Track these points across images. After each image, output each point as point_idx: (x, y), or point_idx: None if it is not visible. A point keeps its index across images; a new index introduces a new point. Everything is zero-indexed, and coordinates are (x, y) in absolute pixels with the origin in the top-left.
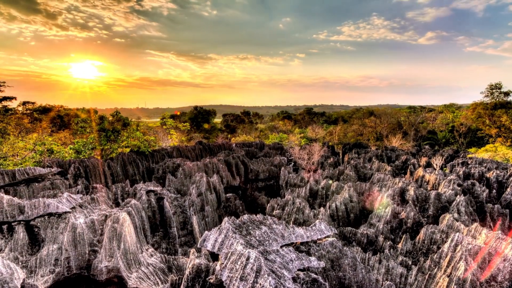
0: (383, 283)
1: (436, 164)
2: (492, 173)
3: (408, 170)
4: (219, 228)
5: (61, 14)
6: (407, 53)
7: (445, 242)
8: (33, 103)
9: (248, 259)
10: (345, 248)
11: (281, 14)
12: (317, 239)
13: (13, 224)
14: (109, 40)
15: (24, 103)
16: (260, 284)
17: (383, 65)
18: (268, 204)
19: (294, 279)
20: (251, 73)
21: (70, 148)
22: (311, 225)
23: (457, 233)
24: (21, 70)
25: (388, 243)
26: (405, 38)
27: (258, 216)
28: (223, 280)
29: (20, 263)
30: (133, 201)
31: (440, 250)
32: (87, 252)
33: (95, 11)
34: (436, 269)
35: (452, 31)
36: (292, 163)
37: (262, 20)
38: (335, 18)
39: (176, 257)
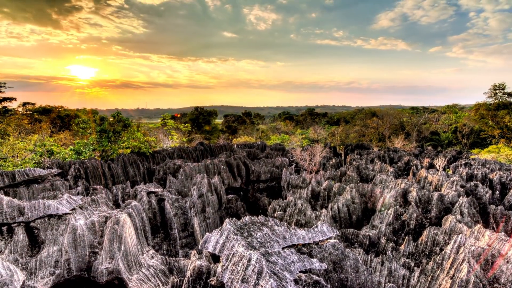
0: (386, 285)
1: (439, 165)
2: (495, 174)
3: (411, 171)
4: (220, 230)
5: (28, 20)
6: (375, 57)
7: (448, 243)
8: (33, 104)
9: (249, 261)
10: (347, 250)
11: (226, 24)
12: (319, 240)
13: (12, 225)
14: (89, 44)
15: (24, 104)
16: (262, 286)
17: (362, 68)
18: (270, 206)
19: (296, 281)
20: (236, 74)
21: (70, 149)
22: (313, 227)
23: (460, 235)
24: (10, 72)
25: (391, 244)
26: (358, 44)
27: (259, 217)
28: (225, 282)
29: (20, 265)
30: (134, 203)
31: (443, 251)
32: (87, 253)
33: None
34: (438, 271)
35: (392, 38)
36: (294, 164)
37: (214, 28)
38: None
39: (177, 258)
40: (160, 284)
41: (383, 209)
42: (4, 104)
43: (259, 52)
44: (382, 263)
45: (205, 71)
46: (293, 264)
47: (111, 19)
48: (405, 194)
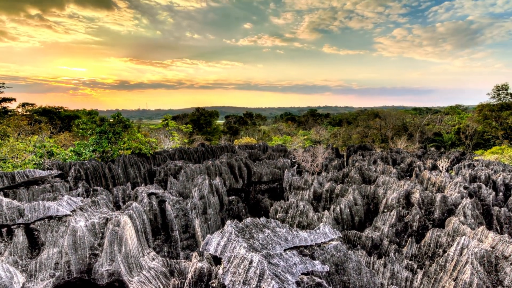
0: (388, 287)
1: (442, 167)
2: (499, 176)
3: (414, 173)
4: (221, 232)
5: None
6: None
7: (451, 245)
8: (32, 104)
9: (251, 262)
10: (349, 251)
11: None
12: (321, 242)
13: (12, 227)
14: (56, 49)
15: (23, 105)
16: None
17: (341, 70)
18: (272, 207)
19: (298, 283)
20: (223, 76)
21: (71, 150)
22: (315, 229)
23: (463, 237)
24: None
25: (393, 246)
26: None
27: (261, 219)
28: (226, 284)
29: (19, 267)
30: (135, 204)
31: (446, 253)
32: (87, 255)
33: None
34: (442, 273)
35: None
36: (296, 166)
37: (172, 34)
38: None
39: (178, 260)
40: (161, 286)
41: (385, 210)
42: (4, 104)
43: (225, 56)
44: (385, 265)
45: (188, 72)
46: (295, 266)
47: (63, 25)
48: (408, 195)
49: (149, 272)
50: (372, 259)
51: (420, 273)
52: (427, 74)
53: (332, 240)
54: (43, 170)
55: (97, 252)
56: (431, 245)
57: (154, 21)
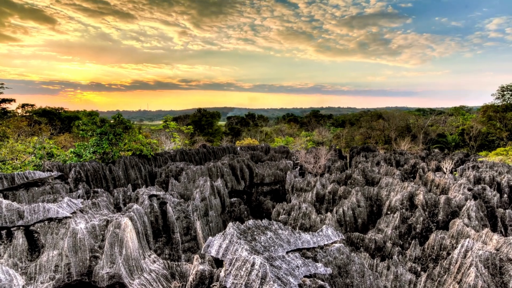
0: None
1: (446, 168)
2: (503, 177)
3: (417, 174)
4: (223, 234)
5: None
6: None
7: (455, 248)
8: (32, 105)
9: (253, 265)
10: (352, 254)
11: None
12: (324, 244)
13: (12, 229)
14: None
15: (23, 106)
16: None
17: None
18: (274, 209)
19: (300, 286)
20: (202, 77)
21: (71, 152)
22: (318, 231)
23: (467, 239)
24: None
25: (397, 249)
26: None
27: (263, 221)
28: (228, 287)
29: (19, 270)
30: (135, 206)
31: (450, 256)
32: (88, 258)
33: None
34: (445, 276)
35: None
36: (298, 167)
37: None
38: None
39: (179, 263)
40: None
41: (389, 212)
42: (3, 105)
43: (201, 59)
44: (388, 268)
45: (167, 75)
46: (297, 268)
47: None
48: (411, 197)
49: (150, 274)
50: (375, 261)
51: (423, 276)
52: (395, 77)
53: (335, 242)
54: (43, 171)
55: (97, 254)
56: (435, 248)
57: (102, 31)
